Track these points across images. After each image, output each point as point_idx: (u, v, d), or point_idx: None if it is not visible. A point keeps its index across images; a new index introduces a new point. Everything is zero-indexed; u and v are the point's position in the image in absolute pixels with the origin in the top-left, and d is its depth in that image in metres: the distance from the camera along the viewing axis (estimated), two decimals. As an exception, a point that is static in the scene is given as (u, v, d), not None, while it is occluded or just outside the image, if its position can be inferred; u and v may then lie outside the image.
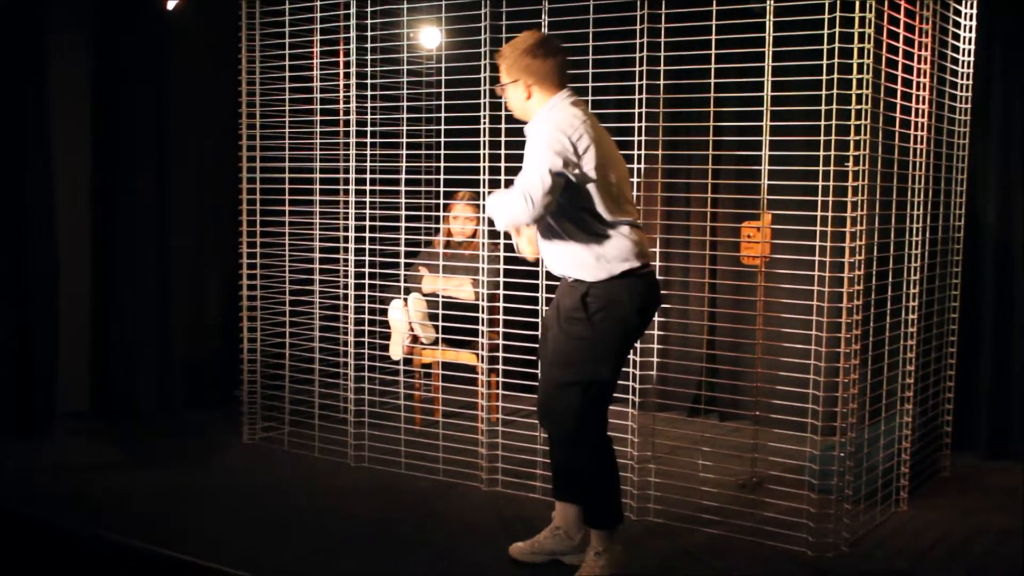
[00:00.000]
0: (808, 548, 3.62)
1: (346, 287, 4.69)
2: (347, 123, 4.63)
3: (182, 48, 5.49)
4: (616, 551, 3.34)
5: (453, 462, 4.42)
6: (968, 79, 4.50)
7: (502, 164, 4.15)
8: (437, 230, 5.37)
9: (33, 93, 4.99)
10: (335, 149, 4.67)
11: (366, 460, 4.61)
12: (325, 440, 4.74)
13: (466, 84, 4.35)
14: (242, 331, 4.97)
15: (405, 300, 4.89)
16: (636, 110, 3.96)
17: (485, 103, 4.18)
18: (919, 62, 4.05)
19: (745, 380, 4.18)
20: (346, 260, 4.67)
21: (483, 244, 4.39)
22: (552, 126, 3.18)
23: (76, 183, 5.36)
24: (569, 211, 3.23)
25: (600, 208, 3.20)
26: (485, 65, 4.18)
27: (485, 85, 4.19)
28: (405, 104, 4.90)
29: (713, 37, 3.79)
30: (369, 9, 4.51)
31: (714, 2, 3.79)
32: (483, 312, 4.39)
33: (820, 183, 3.61)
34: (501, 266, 4.27)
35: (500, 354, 4.33)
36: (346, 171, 4.63)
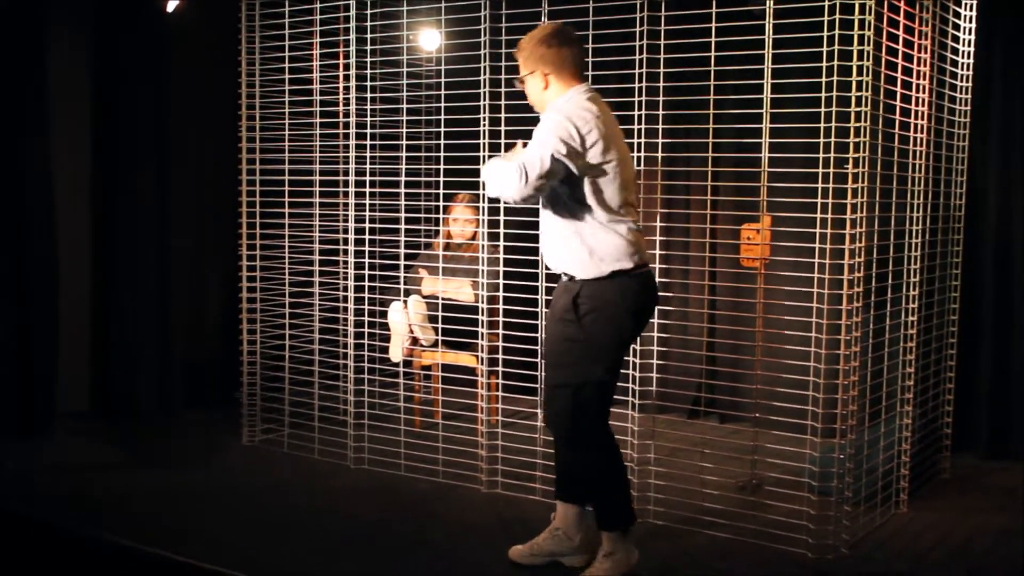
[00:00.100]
0: (808, 550, 3.62)
1: (346, 289, 4.68)
2: (347, 125, 4.63)
3: (182, 48, 5.49)
4: (624, 553, 3.34)
5: (453, 464, 4.42)
6: (968, 80, 4.50)
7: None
8: (437, 232, 5.37)
9: (33, 93, 4.99)
10: (335, 151, 4.67)
11: (366, 462, 4.61)
12: (325, 442, 4.74)
13: (466, 86, 4.35)
14: (242, 332, 4.97)
15: (405, 302, 4.89)
16: (636, 112, 3.96)
17: (485, 105, 4.18)
18: (919, 64, 4.05)
19: (745, 382, 4.18)
20: (346, 262, 4.66)
21: (483, 246, 4.39)
22: (563, 115, 3.19)
23: (76, 183, 5.36)
24: (569, 204, 3.24)
25: (599, 204, 3.20)
26: (485, 67, 4.18)
27: (485, 87, 4.19)
28: (405, 106, 4.90)
29: (713, 39, 3.79)
30: (369, 11, 4.50)
31: (714, 3, 3.79)
32: (483, 314, 4.39)
33: (820, 185, 3.61)
34: (501, 268, 4.27)
35: (500, 356, 4.33)
36: (346, 173, 4.63)
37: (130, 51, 5.36)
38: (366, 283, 4.66)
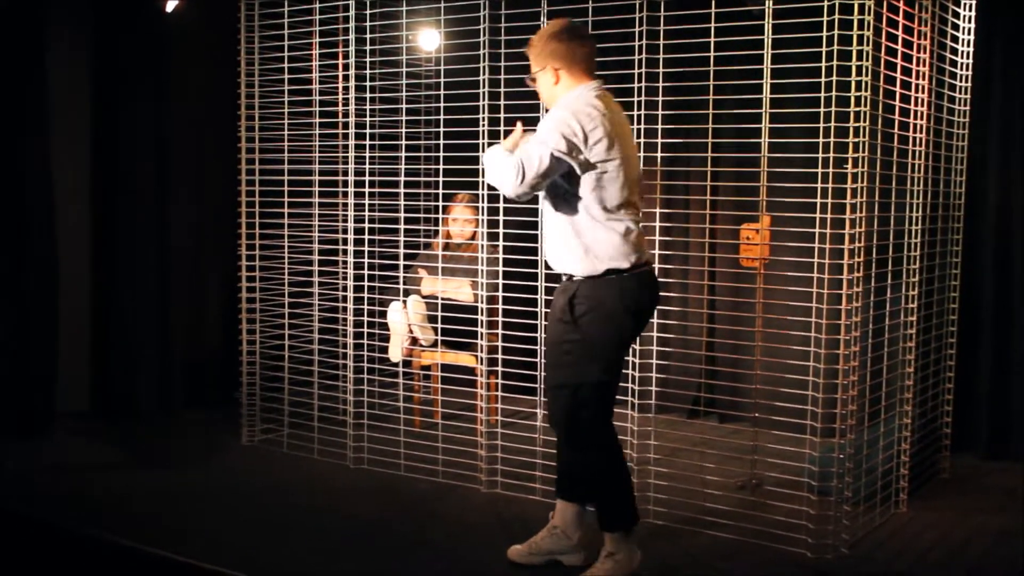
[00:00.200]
0: (808, 550, 3.62)
1: (345, 289, 4.69)
2: (346, 125, 4.63)
3: (182, 48, 5.49)
4: (627, 554, 3.33)
5: (452, 464, 4.42)
6: (968, 80, 4.50)
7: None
8: (436, 232, 5.37)
9: (33, 93, 4.99)
10: (334, 151, 4.67)
11: (365, 462, 4.61)
12: (324, 442, 4.74)
13: (465, 86, 4.35)
14: (241, 332, 4.98)
15: (404, 302, 4.89)
16: (636, 112, 3.96)
17: (484, 105, 4.18)
18: (918, 64, 4.05)
19: (745, 382, 4.18)
20: (345, 262, 4.66)
21: (482, 246, 4.39)
22: (569, 111, 3.19)
23: (76, 183, 5.36)
24: (568, 200, 3.24)
25: (598, 202, 3.19)
26: (484, 67, 4.18)
27: (484, 87, 4.19)
28: (404, 106, 4.90)
29: (712, 39, 3.79)
30: (368, 11, 4.50)
31: (713, 3, 3.79)
32: (482, 314, 4.39)
33: (819, 185, 3.61)
34: (500, 268, 4.27)
35: (499, 356, 4.33)
36: (345, 173, 4.63)
37: (130, 51, 5.36)
38: (365, 283, 4.66)
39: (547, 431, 4.14)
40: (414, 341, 4.94)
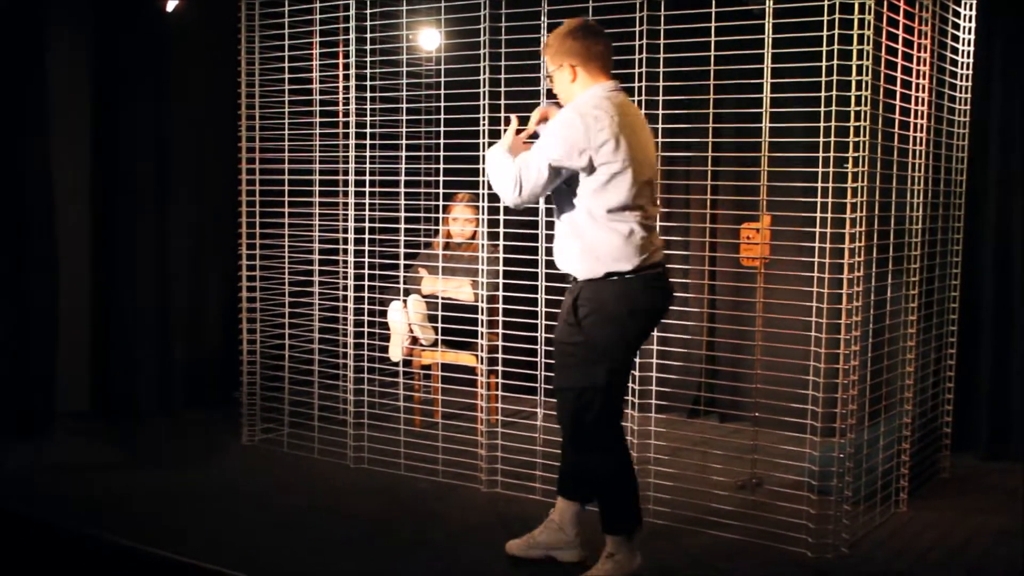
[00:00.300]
0: (808, 549, 3.62)
1: (345, 288, 4.69)
2: (346, 124, 4.63)
3: (182, 48, 5.49)
4: (627, 556, 3.33)
5: (453, 463, 4.42)
6: (968, 79, 4.50)
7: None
8: (436, 231, 5.37)
9: (33, 93, 4.99)
10: (334, 150, 4.67)
11: (365, 461, 4.61)
12: (324, 441, 4.74)
13: (465, 86, 4.35)
14: (241, 332, 4.98)
15: (404, 301, 4.89)
16: (636, 111, 3.96)
17: (484, 104, 4.18)
18: (919, 63, 4.05)
19: (745, 381, 4.18)
20: (345, 261, 4.66)
21: (482, 246, 4.39)
22: (576, 113, 3.18)
23: (76, 183, 5.36)
24: (572, 199, 3.23)
25: (602, 203, 3.18)
26: (485, 67, 4.18)
27: (484, 87, 4.19)
28: (404, 106, 4.90)
29: (712, 39, 3.79)
30: (368, 11, 4.51)
31: (713, 3, 3.79)
32: (482, 314, 4.39)
33: (819, 184, 3.61)
34: (500, 268, 4.27)
35: (499, 355, 4.33)
36: (345, 172, 4.63)
37: (130, 51, 5.36)
38: (366, 283, 4.66)
39: (547, 431, 4.15)
40: (414, 341, 4.94)
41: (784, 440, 4.13)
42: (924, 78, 4.10)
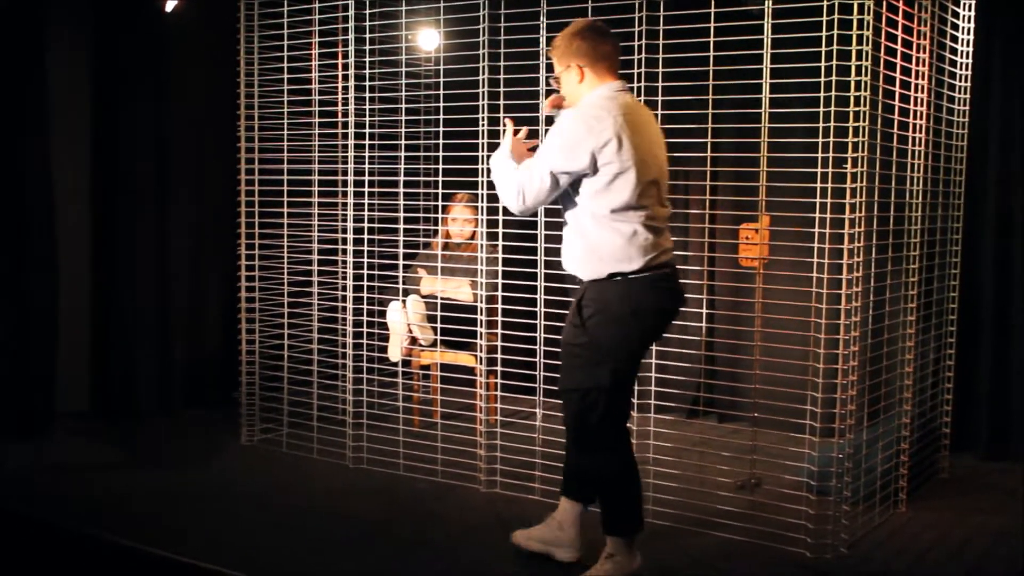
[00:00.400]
0: (807, 549, 3.62)
1: (344, 289, 4.69)
2: (345, 124, 4.63)
3: (182, 48, 5.49)
4: (626, 557, 3.33)
5: (452, 463, 4.43)
6: (967, 79, 4.50)
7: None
8: (435, 232, 5.37)
9: (33, 93, 4.99)
10: (334, 151, 4.67)
11: (364, 461, 4.62)
12: (324, 441, 4.74)
13: (465, 86, 4.35)
14: (241, 332, 4.98)
15: (403, 302, 4.89)
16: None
17: (483, 105, 4.18)
18: (918, 64, 4.05)
19: (744, 382, 4.18)
20: (344, 262, 4.67)
21: (481, 246, 4.39)
22: (579, 116, 3.18)
23: (76, 183, 5.36)
24: (575, 199, 3.24)
25: (605, 203, 3.17)
26: (484, 67, 4.18)
27: (484, 87, 4.19)
28: (403, 106, 4.90)
29: (711, 39, 3.79)
30: (367, 11, 4.51)
31: (712, 3, 3.79)
32: (481, 314, 4.39)
33: (819, 184, 3.61)
34: (500, 268, 4.27)
35: (499, 356, 4.33)
36: (345, 172, 4.63)
37: (130, 51, 5.36)
38: (365, 283, 4.66)
39: (546, 431, 4.15)
40: (413, 341, 4.94)
41: (783, 440, 4.13)
42: (923, 78, 4.10)
